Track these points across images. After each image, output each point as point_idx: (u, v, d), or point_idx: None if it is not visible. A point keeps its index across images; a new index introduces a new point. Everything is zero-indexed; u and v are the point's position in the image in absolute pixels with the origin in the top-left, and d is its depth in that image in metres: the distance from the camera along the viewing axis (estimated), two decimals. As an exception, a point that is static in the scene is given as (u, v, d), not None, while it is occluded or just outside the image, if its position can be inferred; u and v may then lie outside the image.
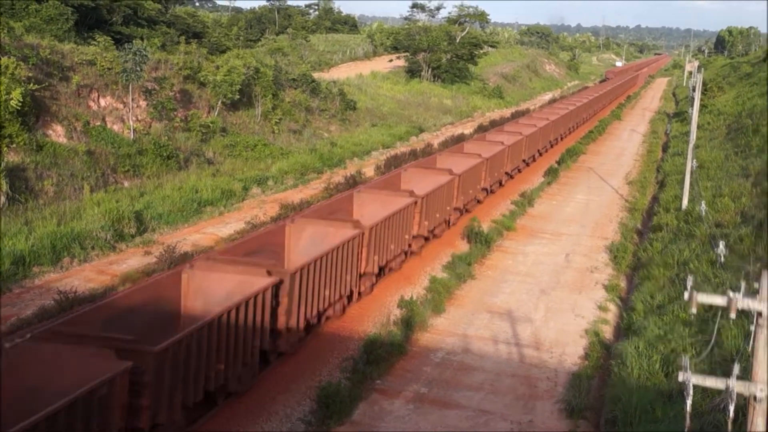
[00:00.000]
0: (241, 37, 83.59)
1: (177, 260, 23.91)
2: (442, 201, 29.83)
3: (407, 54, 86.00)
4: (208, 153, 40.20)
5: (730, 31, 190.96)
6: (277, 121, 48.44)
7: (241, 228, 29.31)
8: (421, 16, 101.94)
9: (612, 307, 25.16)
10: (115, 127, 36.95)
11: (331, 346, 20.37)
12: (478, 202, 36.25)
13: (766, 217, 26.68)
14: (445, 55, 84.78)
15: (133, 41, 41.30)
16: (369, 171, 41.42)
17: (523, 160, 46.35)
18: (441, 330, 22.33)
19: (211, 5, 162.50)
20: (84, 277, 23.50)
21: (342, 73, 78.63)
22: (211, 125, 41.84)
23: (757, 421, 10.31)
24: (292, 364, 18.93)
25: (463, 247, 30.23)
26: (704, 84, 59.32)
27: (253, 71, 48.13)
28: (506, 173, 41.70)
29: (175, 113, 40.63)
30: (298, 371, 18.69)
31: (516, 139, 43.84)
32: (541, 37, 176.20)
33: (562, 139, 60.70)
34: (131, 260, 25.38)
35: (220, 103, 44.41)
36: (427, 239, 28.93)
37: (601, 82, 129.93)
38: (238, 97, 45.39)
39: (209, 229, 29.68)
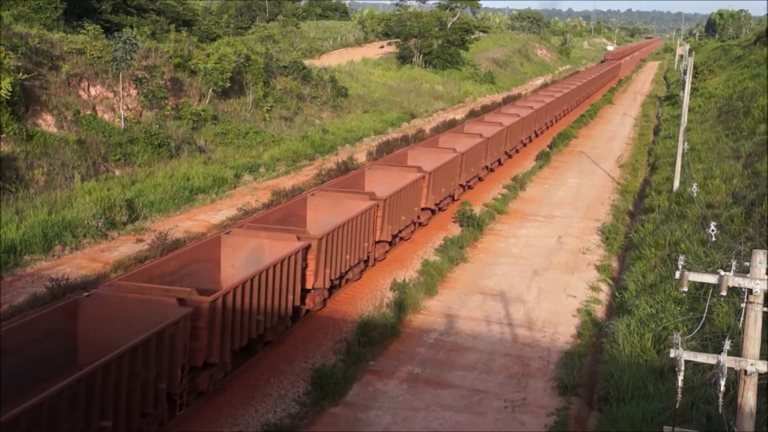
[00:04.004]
0: (231, 25, 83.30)
1: (169, 246, 23.96)
2: (448, 177, 31.81)
3: (398, 40, 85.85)
4: (199, 141, 40.15)
5: (721, 14, 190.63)
6: (269, 108, 48.35)
7: (234, 214, 29.34)
8: (412, 2, 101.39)
9: (604, 287, 25.30)
10: (106, 116, 36.85)
11: (325, 328, 20.47)
12: (480, 179, 38.03)
13: (757, 197, 26.80)
14: (437, 40, 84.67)
15: (123, 30, 41.08)
16: (361, 157, 41.45)
17: (521, 141, 47.58)
18: (434, 312, 22.44)
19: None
20: (76, 264, 23.51)
21: (333, 60, 78.47)
22: (202, 113, 41.75)
23: (747, 395, 10.45)
24: (286, 347, 19.04)
25: (455, 230, 30.32)
26: (695, 67, 59.38)
27: (244, 59, 47.99)
28: (505, 152, 43.23)
29: (166, 102, 40.51)
30: (291, 354, 18.79)
31: (514, 120, 45.22)
32: (532, 22, 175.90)
33: (554, 123, 60.81)
34: (123, 248, 25.39)
35: (211, 91, 44.30)
36: (433, 212, 30.72)
37: (601, 62, 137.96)
38: (229, 84, 45.27)
39: (201, 216, 29.70)
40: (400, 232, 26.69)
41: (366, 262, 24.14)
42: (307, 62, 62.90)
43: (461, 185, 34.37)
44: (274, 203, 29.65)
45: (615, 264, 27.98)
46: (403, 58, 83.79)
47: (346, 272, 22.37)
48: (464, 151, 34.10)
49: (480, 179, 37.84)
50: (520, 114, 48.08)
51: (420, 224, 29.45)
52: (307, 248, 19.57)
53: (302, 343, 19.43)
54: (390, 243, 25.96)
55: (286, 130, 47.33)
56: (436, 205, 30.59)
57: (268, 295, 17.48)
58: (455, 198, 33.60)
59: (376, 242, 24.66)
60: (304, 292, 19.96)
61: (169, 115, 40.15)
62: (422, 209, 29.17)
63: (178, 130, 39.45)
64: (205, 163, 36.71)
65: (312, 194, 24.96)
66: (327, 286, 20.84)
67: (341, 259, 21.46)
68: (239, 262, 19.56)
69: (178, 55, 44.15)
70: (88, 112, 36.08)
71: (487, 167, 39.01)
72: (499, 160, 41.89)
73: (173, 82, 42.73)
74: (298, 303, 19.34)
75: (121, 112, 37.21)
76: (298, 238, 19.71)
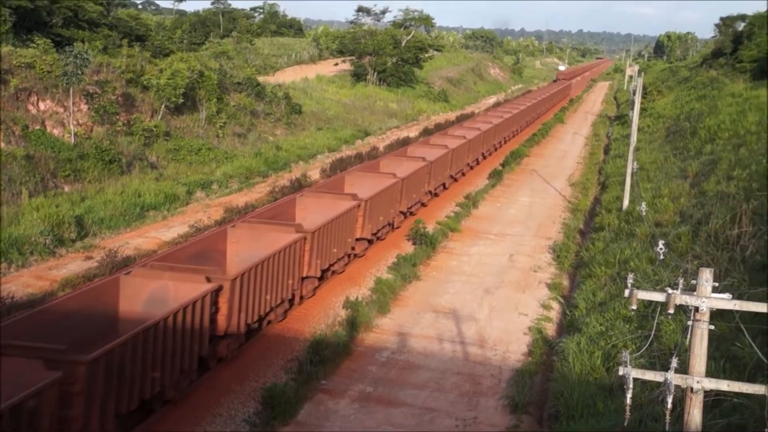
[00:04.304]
0: (184, 41, 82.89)
1: (119, 264, 23.63)
2: (387, 204, 29.94)
3: (353, 58, 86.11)
4: (151, 157, 39.72)
5: (669, 36, 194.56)
6: (222, 124, 48.09)
7: (185, 231, 29.08)
8: (367, 20, 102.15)
9: (555, 305, 25.52)
10: (56, 131, 36.30)
11: (276, 347, 20.31)
12: (423, 205, 36.36)
13: (703, 216, 27.29)
14: (391, 58, 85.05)
15: (74, 44, 40.63)
16: (315, 174, 41.38)
17: (467, 164, 46.87)
18: (386, 330, 22.41)
19: (154, 8, 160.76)
20: (22, 282, 23.05)
21: (287, 76, 78.39)
22: (154, 129, 41.35)
23: (694, 412, 10.58)
24: (236, 367, 18.82)
25: (408, 248, 30.36)
26: (644, 88, 60.31)
27: (198, 75, 47.69)
28: (450, 176, 42.03)
29: (118, 117, 40.06)
30: (242, 373, 18.60)
31: (460, 143, 44.34)
32: (485, 41, 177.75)
33: (506, 141, 61.29)
34: (71, 265, 24.97)
35: (163, 106, 43.92)
36: (370, 242, 28.96)
37: (554, 81, 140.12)
38: (182, 100, 44.93)
39: (152, 233, 29.36)
40: (331, 266, 24.68)
41: (291, 301, 22.19)
42: (261, 79, 62.71)
43: (402, 212, 32.57)
44: (189, 236, 27.51)
45: (566, 282, 28.24)
46: (358, 76, 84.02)
47: (267, 314, 20.39)
48: (405, 176, 32.37)
49: (423, 205, 36.28)
50: (467, 136, 47.28)
51: (356, 256, 27.60)
52: (218, 290, 17.51)
53: (253, 363, 19.25)
54: (320, 278, 24.03)
55: (240, 147, 47.08)
56: (374, 234, 28.70)
57: (167, 348, 15.47)
58: (395, 226, 31.99)
59: (303, 278, 22.74)
60: (217, 338, 18.03)
61: (121, 131, 39.69)
62: (357, 240, 27.12)
63: (129, 146, 38.99)
64: (156, 179, 36.31)
65: (233, 226, 22.68)
66: (243, 331, 18.83)
67: (261, 300, 19.45)
68: (139, 307, 17.16)
69: (131, 71, 43.72)
70: (37, 127, 35.51)
71: (430, 192, 37.48)
72: (443, 185, 40.38)
73: (125, 98, 42.28)
74: (205, 353, 17.24)
75: (71, 127, 36.69)
76: (208, 279, 17.50)
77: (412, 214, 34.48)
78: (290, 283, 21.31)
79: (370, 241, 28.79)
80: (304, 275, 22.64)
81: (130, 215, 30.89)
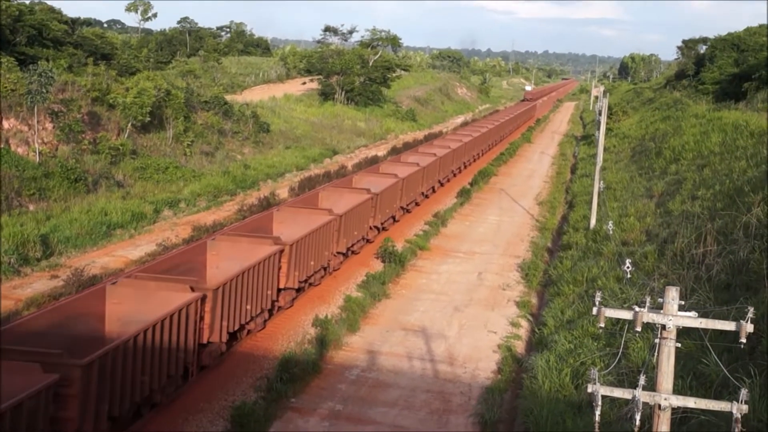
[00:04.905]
0: (151, 59, 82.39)
1: (85, 283, 23.42)
2: (361, 219, 30.78)
3: (320, 77, 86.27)
4: (117, 176, 39.48)
5: (633, 58, 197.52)
6: (189, 143, 47.94)
7: (153, 250, 28.90)
8: (334, 40, 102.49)
9: (524, 323, 25.69)
10: (20, 150, 35.98)
11: (245, 365, 20.24)
12: (395, 220, 37.12)
13: (669, 235, 27.67)
14: (359, 78, 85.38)
15: (39, 62, 40.35)
16: (283, 193, 41.39)
17: (438, 181, 47.42)
18: (356, 348, 22.43)
19: (119, 27, 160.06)
20: (-13, 302, 22.73)
21: (255, 95, 78.32)
22: (120, 148, 41.12)
23: (661, 429, 10.69)
24: (205, 385, 18.73)
25: (377, 266, 30.43)
26: (610, 108, 61.22)
27: (164, 93, 47.54)
28: (422, 193, 42.69)
29: (83, 135, 39.79)
30: (211, 391, 18.50)
31: (431, 160, 44.98)
32: (452, 61, 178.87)
33: (475, 160, 61.71)
34: (36, 284, 24.72)
35: (130, 125, 43.69)
36: (345, 256, 29.63)
37: (522, 101, 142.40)
38: (149, 119, 44.74)
39: (119, 251, 29.17)
40: (308, 278, 25.30)
41: (270, 311, 22.80)
42: (228, 97, 62.65)
43: (376, 227, 33.42)
44: (169, 249, 27.85)
45: (534, 300, 28.44)
46: (326, 95, 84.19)
47: (247, 323, 20.98)
48: (379, 191, 33.23)
49: (395, 220, 37.03)
50: (437, 153, 48.10)
51: (332, 269, 28.21)
52: (202, 299, 18.20)
53: (222, 381, 19.16)
54: (297, 290, 24.64)
55: (207, 166, 46.95)
56: (349, 248, 29.48)
57: (155, 353, 16.08)
58: (369, 240, 32.61)
59: (282, 290, 23.37)
60: (200, 346, 18.54)
61: (87, 150, 39.42)
62: (333, 254, 27.92)
63: (95, 164, 38.73)
64: (123, 198, 36.12)
65: (212, 239, 23.28)
66: (224, 339, 19.51)
67: (241, 309, 20.10)
68: (126, 315, 17.69)
69: (96, 89, 43.50)
70: (1, 146, 35.16)
71: (403, 208, 38.37)
72: (415, 201, 41.30)
73: (91, 116, 42.03)
74: (191, 359, 17.89)
75: (36, 145, 36.38)
76: (192, 289, 18.23)
77: (385, 229, 35.18)
78: (269, 294, 22.02)
79: (345, 255, 29.51)
80: (283, 286, 23.29)
81: (97, 234, 30.69)
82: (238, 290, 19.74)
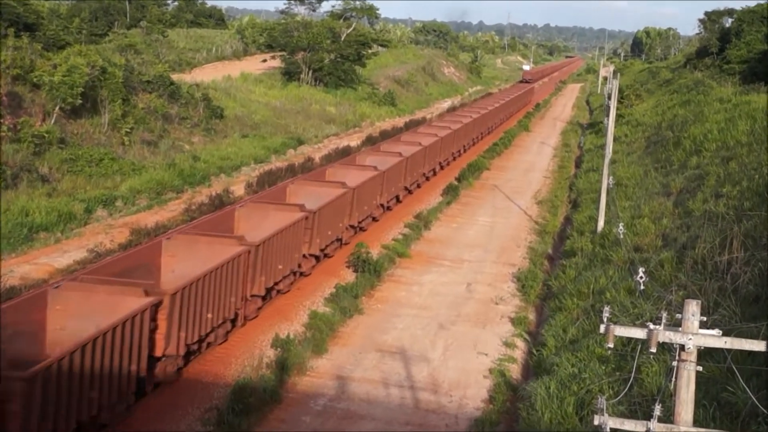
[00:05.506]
0: (84, 31, 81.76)
1: (2, 295, 23.14)
2: (336, 217, 31.12)
3: (284, 53, 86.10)
4: (42, 168, 39.10)
5: (647, 32, 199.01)
6: (128, 131, 47.61)
7: (83, 257, 28.67)
8: (300, 10, 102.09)
9: (519, 343, 25.68)
10: (-74, 137, 35.56)
11: (191, 394, 20.10)
12: (374, 219, 37.58)
13: (689, 239, 27.76)
14: (328, 55, 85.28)
15: (-51, 33, 39.97)
16: (239, 189, 41.22)
17: (424, 174, 47.91)
18: (322, 373, 22.33)
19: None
20: None
21: (207, 74, 78.12)
22: (46, 135, 40.72)
23: (680, 467, 10.64)
24: (142, 419, 18.56)
25: (348, 276, 30.34)
26: (620, 91, 61.46)
27: (99, 71, 47.18)
28: (405, 188, 43.24)
29: (2, 121, 39.40)
30: (149, 426, 18.33)
31: (415, 150, 45.38)
32: (438, 35, 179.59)
33: (462, 152, 61.82)
34: (-57, 298, 24.38)
35: (57, 108, 43.31)
36: (318, 259, 29.97)
37: (520, 82, 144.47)
38: (81, 102, 44.39)
39: (43, 258, 28.94)
40: (276, 284, 25.68)
41: (234, 321, 23.18)
42: (175, 77, 62.37)
43: (352, 226, 33.84)
44: (102, 256, 27.91)
45: (532, 316, 28.46)
46: (290, 75, 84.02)
47: (208, 334, 21.30)
48: (355, 185, 33.51)
49: (375, 219, 37.57)
50: (422, 142, 48.49)
51: (302, 274, 28.76)
52: (157, 305, 18.44)
53: (163, 413, 19.00)
54: (264, 298, 25.01)
55: (150, 157, 46.66)
56: (322, 250, 29.95)
57: (104, 366, 16.26)
58: (344, 242, 33.06)
59: (247, 298, 23.76)
60: (153, 360, 18.82)
61: (6, 137, 39.03)
62: (305, 256, 28.42)
63: (15, 155, 38.32)
64: (49, 195, 35.82)
65: (168, 238, 23.64)
66: (182, 352, 19.75)
67: (202, 318, 20.37)
68: (70, 323, 17.85)
69: (18, 66, 43.08)
70: None
71: (382, 205, 38.79)
72: (397, 197, 41.87)
73: (11, 98, 41.61)
74: (143, 374, 18.18)
75: (-55, 132, 35.99)
76: (146, 293, 18.60)
77: (363, 229, 35.60)
78: (233, 301, 22.27)
79: (317, 258, 29.87)
80: (248, 293, 23.52)
81: (16, 238, 30.45)
82: (198, 296, 19.98)
